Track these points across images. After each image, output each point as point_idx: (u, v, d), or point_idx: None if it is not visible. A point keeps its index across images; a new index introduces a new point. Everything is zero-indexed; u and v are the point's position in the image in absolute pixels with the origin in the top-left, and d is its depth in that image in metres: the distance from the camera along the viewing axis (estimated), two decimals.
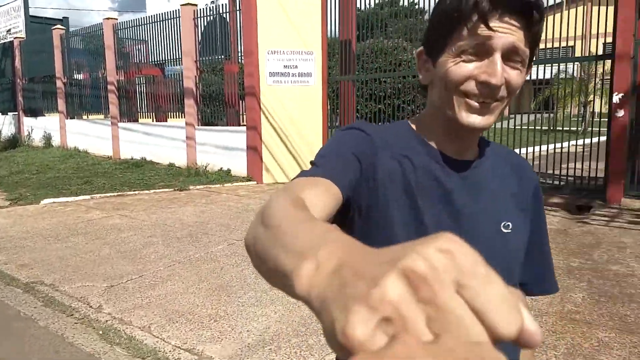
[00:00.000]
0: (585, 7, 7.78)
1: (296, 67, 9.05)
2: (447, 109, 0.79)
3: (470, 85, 0.76)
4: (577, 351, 2.93)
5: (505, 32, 0.73)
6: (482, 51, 0.74)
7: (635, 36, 6.63)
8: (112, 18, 12.81)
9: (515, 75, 0.76)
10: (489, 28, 0.73)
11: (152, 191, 8.28)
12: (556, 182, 7.83)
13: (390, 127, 0.88)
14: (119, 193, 8.12)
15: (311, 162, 0.78)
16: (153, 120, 12.22)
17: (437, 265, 0.25)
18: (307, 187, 0.67)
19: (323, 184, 0.71)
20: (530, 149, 7.75)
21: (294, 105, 9.10)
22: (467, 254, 0.26)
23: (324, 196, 0.68)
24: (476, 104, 0.76)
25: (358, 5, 9.56)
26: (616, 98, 6.72)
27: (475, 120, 0.77)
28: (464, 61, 0.75)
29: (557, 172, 7.93)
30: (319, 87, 9.24)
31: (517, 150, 8.37)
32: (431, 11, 0.82)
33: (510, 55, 0.75)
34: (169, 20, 11.14)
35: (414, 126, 0.88)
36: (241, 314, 3.48)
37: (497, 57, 0.74)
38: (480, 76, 0.75)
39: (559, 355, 2.89)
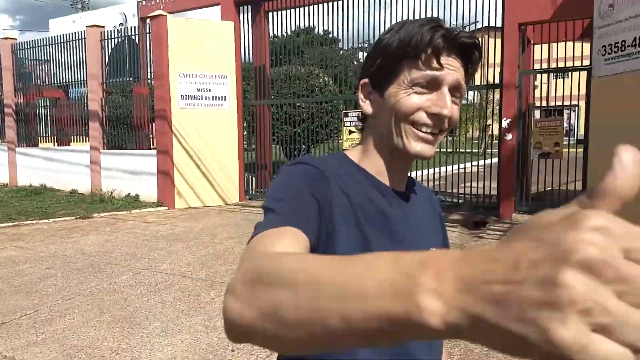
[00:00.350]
0: (481, 39, 8.54)
1: (210, 90, 9.01)
2: (395, 138, 0.82)
3: (421, 116, 0.79)
4: (469, 356, 3.16)
5: (452, 69, 0.79)
6: (433, 85, 0.79)
7: (519, 67, 7.38)
8: (10, 38, 12.03)
9: (456, 110, 0.82)
10: (440, 64, 0.78)
11: (51, 220, 7.76)
12: (455, 200, 8.41)
13: (333, 160, 0.86)
14: (15, 223, 7.53)
15: (265, 208, 0.72)
16: (55, 145, 11.51)
17: (603, 245, 0.26)
18: (277, 240, 0.63)
19: (291, 234, 0.66)
20: (431, 170, 8.26)
21: (208, 128, 9.02)
22: (616, 221, 0.27)
23: (295, 248, 0.64)
24: (426, 135, 0.80)
25: (274, 32, 9.77)
26: (505, 123, 7.40)
27: (423, 149, 0.81)
28: (415, 93, 0.79)
29: (456, 191, 8.53)
30: (234, 111, 9.25)
31: (423, 172, 8.93)
32: (373, 47, 0.85)
33: (453, 91, 0.80)
34: (74, 42, 10.66)
35: (353, 157, 0.87)
36: (145, 345, 3.37)
37: (446, 90, 0.79)
38: (432, 108, 0.79)
39: None
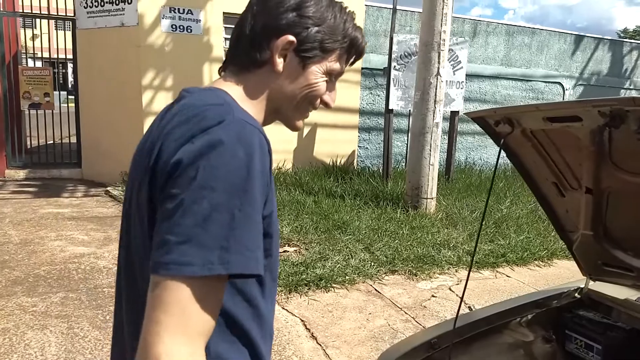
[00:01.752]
0: None
1: None
2: (291, 110, 0.87)
3: (318, 102, 0.88)
4: None
5: None
6: (335, 78, 0.88)
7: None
8: None
9: None
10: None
11: None
12: None
13: (240, 109, 0.76)
14: None
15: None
16: None
17: None
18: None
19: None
20: None
21: None
22: None
23: None
24: (308, 115, 0.90)
25: None
26: None
27: (301, 127, 0.91)
28: (326, 81, 0.86)
29: None
30: None
31: None
32: (319, 17, 0.83)
33: None
34: None
35: (239, 102, 0.80)
36: None
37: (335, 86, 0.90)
38: (327, 98, 0.88)
39: None
